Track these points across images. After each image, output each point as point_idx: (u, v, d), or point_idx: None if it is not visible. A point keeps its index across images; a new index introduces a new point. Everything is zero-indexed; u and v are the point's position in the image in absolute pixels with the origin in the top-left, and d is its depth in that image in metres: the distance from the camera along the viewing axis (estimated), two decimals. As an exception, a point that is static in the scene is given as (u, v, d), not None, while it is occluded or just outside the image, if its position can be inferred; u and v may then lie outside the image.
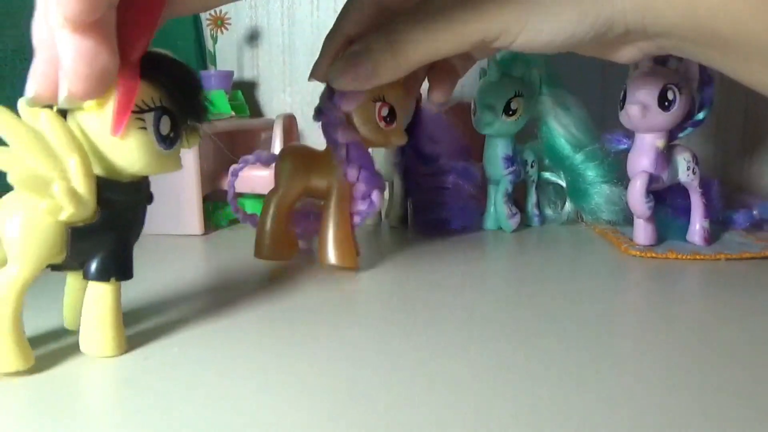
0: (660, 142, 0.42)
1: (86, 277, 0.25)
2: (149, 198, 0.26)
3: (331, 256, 0.35)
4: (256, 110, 0.66)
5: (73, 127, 0.24)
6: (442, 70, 0.36)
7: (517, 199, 0.50)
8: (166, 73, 0.24)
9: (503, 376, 0.24)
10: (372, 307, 0.33)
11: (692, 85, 0.42)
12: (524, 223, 0.51)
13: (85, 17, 0.20)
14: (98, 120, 0.23)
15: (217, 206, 0.51)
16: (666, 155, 0.43)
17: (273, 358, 0.26)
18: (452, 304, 0.33)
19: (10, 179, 0.22)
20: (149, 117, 0.24)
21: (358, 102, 0.35)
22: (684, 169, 0.43)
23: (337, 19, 0.34)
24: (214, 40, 0.60)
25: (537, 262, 0.41)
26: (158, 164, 0.24)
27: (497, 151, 0.49)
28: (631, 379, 0.24)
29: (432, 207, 0.47)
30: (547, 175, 0.52)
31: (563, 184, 0.51)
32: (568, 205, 0.52)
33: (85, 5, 0.19)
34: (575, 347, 0.27)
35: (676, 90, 0.41)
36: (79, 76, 0.21)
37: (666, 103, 0.41)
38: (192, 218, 0.47)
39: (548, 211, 0.52)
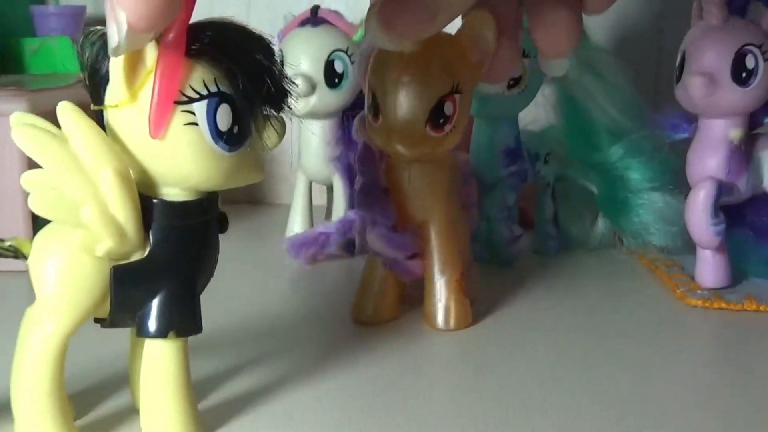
0: (735, 133, 0.42)
1: (139, 333, 0.28)
2: (222, 222, 0.29)
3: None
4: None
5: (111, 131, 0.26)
6: None
7: (523, 212, 0.50)
8: (220, 43, 0.26)
9: None
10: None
11: (785, 45, 0.41)
12: (534, 250, 0.51)
13: None
14: (132, 117, 0.25)
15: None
16: (744, 152, 0.42)
17: None
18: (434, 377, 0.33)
19: (31, 204, 0.25)
20: (200, 107, 0.25)
21: None
22: (772, 173, 0.43)
23: None
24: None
25: (549, 317, 0.41)
26: (221, 173, 0.26)
27: (493, 140, 0.48)
28: None
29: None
30: (570, 176, 0.51)
31: (594, 189, 0.51)
32: (601, 222, 0.51)
33: None
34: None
35: (758, 54, 0.40)
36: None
37: (743, 74, 0.40)
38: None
39: (572, 231, 0.52)
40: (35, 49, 0.54)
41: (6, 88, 0.48)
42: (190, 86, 0.25)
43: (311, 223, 0.52)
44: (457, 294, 0.39)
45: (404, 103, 0.35)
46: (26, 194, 0.44)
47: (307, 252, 0.46)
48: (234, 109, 0.26)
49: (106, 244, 0.26)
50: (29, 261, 0.27)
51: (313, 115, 0.49)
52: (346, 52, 0.48)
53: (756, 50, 0.40)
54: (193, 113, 0.26)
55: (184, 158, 0.26)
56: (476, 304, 0.41)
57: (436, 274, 0.39)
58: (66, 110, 0.25)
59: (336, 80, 0.48)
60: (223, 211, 0.29)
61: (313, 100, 0.48)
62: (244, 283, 0.46)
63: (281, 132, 0.28)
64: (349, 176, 0.50)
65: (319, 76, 0.48)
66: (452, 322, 0.39)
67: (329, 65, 0.48)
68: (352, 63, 0.48)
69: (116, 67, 0.25)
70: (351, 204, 0.50)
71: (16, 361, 0.27)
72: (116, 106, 0.26)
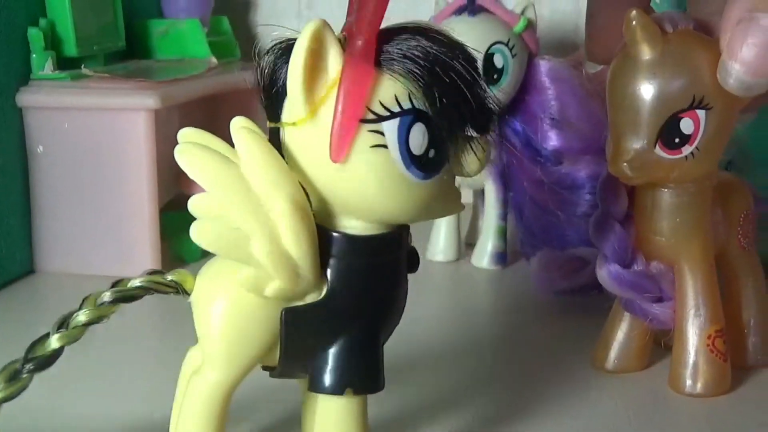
0: None
1: (312, 387, 0.26)
2: (412, 262, 0.27)
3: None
4: (251, 49, 0.63)
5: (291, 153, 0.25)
6: None
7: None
8: (415, 51, 0.24)
9: None
10: None
11: None
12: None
13: None
14: (311, 137, 0.24)
15: (183, 220, 0.48)
16: None
17: None
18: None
19: (193, 235, 0.24)
20: (391, 127, 0.23)
21: None
22: None
23: None
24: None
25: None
26: (413, 204, 0.25)
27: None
28: None
29: (556, 245, 0.44)
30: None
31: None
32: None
33: None
34: None
35: None
36: None
37: None
38: (143, 248, 0.46)
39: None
40: (163, 31, 0.53)
41: (133, 79, 0.47)
42: (380, 102, 0.23)
43: (458, 232, 0.50)
44: (708, 352, 0.34)
45: (629, 116, 0.32)
46: (155, 198, 0.46)
47: (556, 277, 0.44)
48: (430, 130, 0.24)
49: (276, 283, 0.24)
50: (192, 299, 0.26)
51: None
52: (506, 45, 0.46)
53: None
54: (382, 134, 0.24)
55: (368, 186, 0.24)
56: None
57: (685, 326, 0.34)
58: (237, 128, 0.24)
59: (495, 76, 0.46)
60: (413, 246, 0.27)
61: (469, 98, 0.45)
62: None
63: (484, 157, 0.25)
64: (502, 181, 0.49)
65: (477, 72, 0.45)
66: (699, 386, 0.34)
67: (488, 59, 0.45)
68: (513, 56, 0.46)
69: (295, 79, 0.23)
70: (503, 211, 0.49)
71: (175, 407, 0.27)
72: (294, 124, 0.24)
